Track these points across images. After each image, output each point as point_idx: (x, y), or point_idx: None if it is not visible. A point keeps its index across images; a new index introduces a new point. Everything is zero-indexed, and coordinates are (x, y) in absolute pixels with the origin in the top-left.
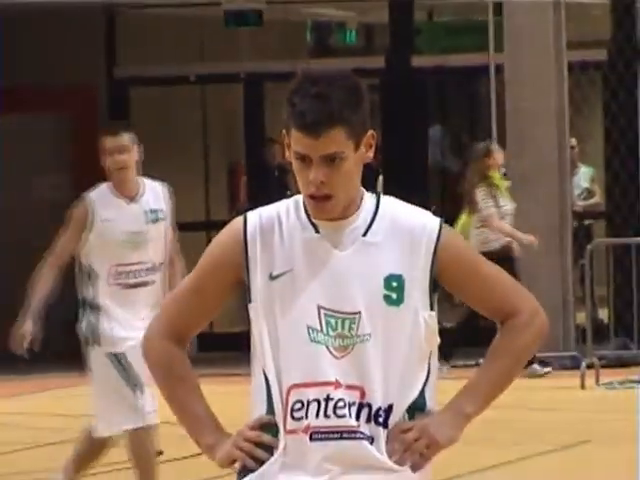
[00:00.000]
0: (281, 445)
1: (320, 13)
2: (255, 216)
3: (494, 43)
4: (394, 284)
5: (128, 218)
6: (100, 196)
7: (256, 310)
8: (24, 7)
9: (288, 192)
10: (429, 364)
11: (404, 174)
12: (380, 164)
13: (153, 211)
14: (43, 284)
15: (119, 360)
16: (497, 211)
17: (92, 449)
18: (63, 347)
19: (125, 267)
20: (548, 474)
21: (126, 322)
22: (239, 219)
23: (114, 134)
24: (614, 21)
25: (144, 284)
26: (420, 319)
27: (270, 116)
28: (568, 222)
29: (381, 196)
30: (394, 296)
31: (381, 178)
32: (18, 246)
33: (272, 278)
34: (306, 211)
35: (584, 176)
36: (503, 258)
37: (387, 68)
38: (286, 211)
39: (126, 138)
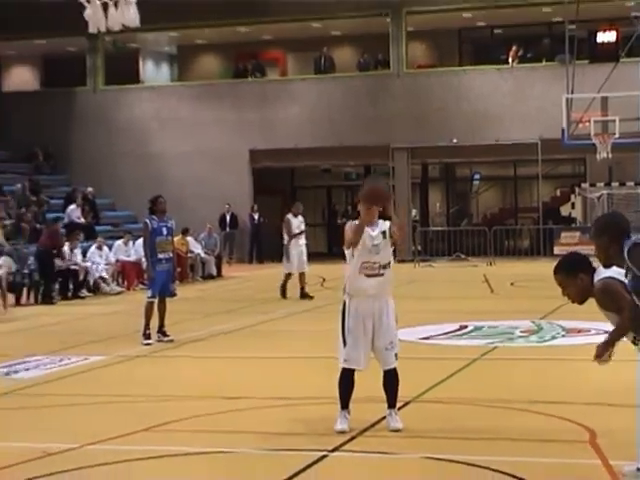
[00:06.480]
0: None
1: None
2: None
3: None
4: (387, 233)
5: None
6: None
7: (359, 244)
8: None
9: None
10: (393, 252)
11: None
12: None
13: None
14: None
15: None
16: None
17: None
18: None
19: None
20: None
21: None
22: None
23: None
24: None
25: None
26: (390, 242)
27: None
28: None
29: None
30: (387, 236)
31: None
32: None
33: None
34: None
35: None
36: None
37: None
38: None
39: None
